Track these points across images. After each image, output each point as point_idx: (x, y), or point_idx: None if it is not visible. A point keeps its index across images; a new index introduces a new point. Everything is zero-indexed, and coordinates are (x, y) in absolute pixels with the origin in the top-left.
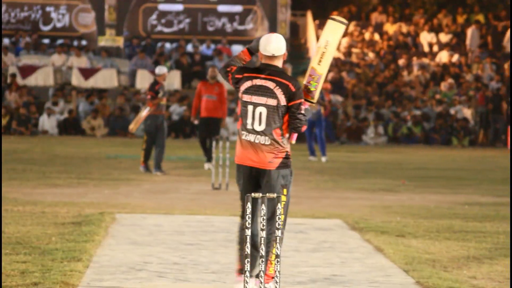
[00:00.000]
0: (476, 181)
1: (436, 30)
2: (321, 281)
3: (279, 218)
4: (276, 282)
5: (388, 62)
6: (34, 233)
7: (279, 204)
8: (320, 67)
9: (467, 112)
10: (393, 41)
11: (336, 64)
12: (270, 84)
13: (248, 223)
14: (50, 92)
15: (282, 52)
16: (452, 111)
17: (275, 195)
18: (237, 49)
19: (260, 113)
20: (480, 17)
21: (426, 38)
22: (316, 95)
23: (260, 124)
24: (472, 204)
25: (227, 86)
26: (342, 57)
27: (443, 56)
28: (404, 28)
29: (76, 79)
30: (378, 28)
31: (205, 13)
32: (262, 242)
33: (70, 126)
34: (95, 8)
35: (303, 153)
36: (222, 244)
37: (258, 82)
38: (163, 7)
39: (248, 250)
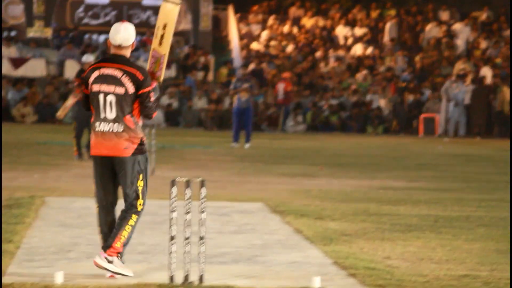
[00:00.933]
0: (390, 167)
1: (351, 24)
2: (243, 261)
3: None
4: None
5: (306, 54)
6: None
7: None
8: (161, 47)
9: (381, 102)
10: (310, 34)
11: (257, 56)
12: (118, 73)
13: (174, 207)
14: None
15: (130, 43)
16: (366, 101)
17: (200, 178)
18: None
19: (111, 102)
20: (392, 12)
21: (341, 31)
22: (162, 75)
23: (111, 112)
24: (386, 189)
25: None
26: (262, 49)
27: (358, 49)
28: (321, 22)
29: (6, 68)
30: (296, 22)
31: (131, 6)
32: (188, 223)
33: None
34: (24, 0)
35: (227, 139)
36: (148, 226)
37: (105, 71)
38: (90, 0)
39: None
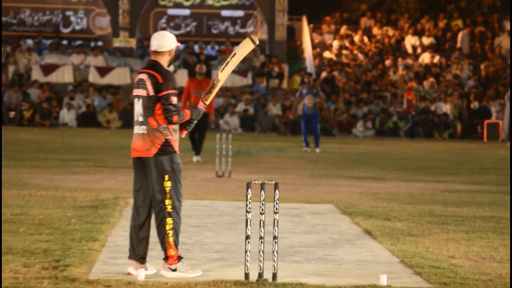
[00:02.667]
0: (455, 170)
1: (419, 33)
2: (315, 260)
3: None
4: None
5: (376, 62)
6: (56, 215)
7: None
8: (221, 73)
9: (447, 108)
10: (380, 43)
11: (329, 64)
12: (143, 76)
13: (249, 208)
14: (69, 89)
15: (164, 49)
16: (432, 107)
17: (273, 182)
18: None
19: (139, 104)
20: (459, 22)
21: (410, 41)
22: (209, 98)
23: (140, 114)
24: (451, 191)
25: None
26: (334, 57)
27: (425, 57)
28: (391, 32)
29: (93, 77)
30: (367, 31)
31: (210, 17)
32: (261, 224)
33: (87, 119)
34: (110, 12)
35: (299, 144)
36: (225, 226)
37: (139, 76)
38: (171, 11)
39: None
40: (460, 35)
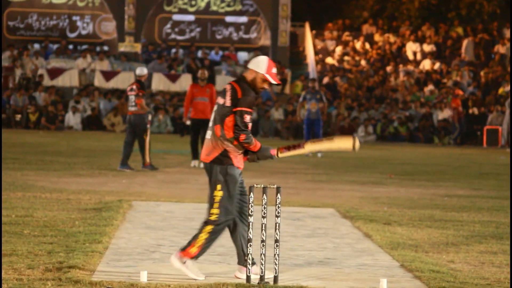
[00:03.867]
0: (455, 175)
1: (420, 40)
2: (315, 263)
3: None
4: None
5: (377, 68)
6: (60, 217)
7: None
8: (310, 146)
9: (447, 114)
10: (381, 50)
11: (331, 70)
12: (228, 86)
13: (251, 211)
14: (75, 92)
15: (251, 67)
16: (433, 113)
17: (274, 186)
18: (242, 55)
19: (215, 110)
20: (459, 30)
21: (411, 47)
22: (284, 154)
23: (212, 120)
24: (451, 196)
25: (217, 87)
26: (336, 63)
27: (426, 64)
28: (392, 39)
29: (98, 81)
30: (369, 38)
31: (214, 23)
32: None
33: (92, 123)
34: (116, 17)
35: None
36: (227, 229)
37: (226, 85)
38: (176, 17)
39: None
40: (464, 43)
